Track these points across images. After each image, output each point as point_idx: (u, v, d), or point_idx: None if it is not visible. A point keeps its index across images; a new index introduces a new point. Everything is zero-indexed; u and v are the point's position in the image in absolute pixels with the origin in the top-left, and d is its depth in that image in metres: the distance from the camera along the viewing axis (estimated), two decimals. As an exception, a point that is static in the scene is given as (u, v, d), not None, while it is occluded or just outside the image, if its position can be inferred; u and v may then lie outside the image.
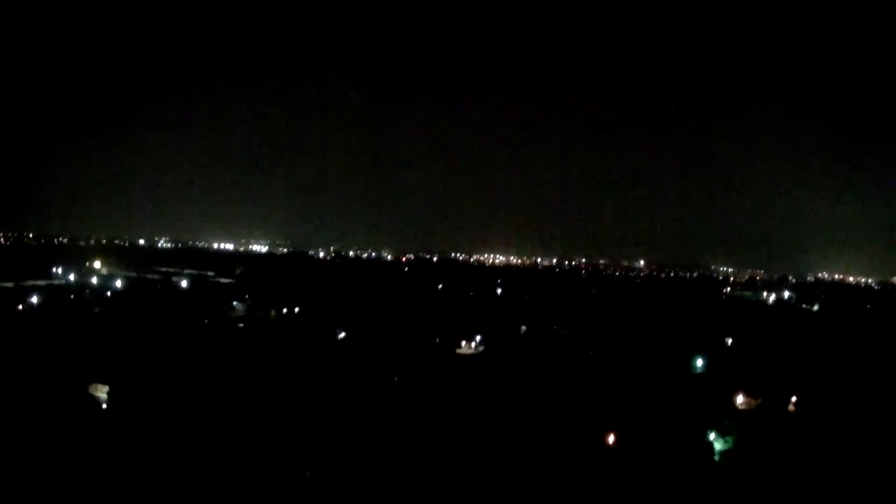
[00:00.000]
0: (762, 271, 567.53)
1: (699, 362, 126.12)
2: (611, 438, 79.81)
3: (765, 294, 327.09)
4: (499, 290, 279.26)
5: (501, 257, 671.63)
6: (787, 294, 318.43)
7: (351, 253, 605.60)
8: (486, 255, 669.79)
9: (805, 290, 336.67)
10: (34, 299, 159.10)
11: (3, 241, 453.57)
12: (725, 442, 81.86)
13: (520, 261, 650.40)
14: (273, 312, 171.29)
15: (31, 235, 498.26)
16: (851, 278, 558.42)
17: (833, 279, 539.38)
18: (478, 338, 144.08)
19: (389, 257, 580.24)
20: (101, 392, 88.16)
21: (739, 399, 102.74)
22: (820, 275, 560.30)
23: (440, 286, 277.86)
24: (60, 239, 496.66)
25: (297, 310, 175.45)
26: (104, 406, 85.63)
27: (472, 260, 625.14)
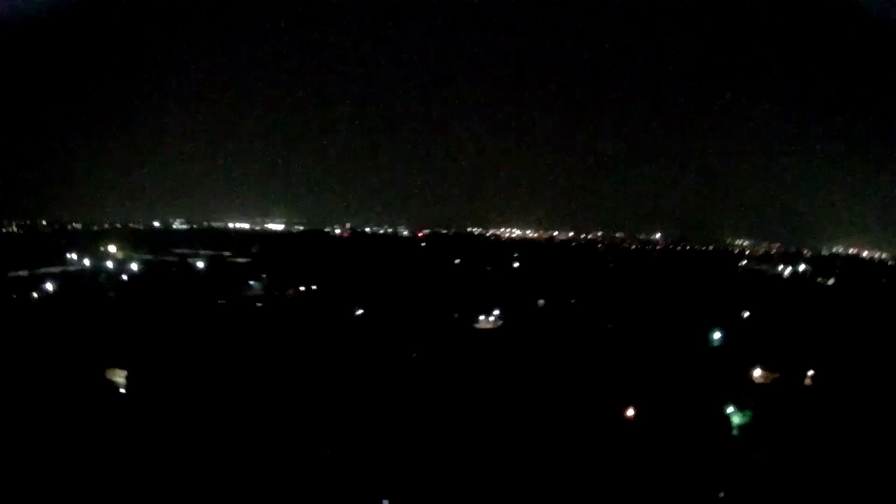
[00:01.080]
0: (778, 244, 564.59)
1: (716, 336, 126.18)
2: (630, 412, 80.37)
3: (780, 267, 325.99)
4: (515, 264, 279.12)
5: (517, 231, 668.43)
6: (802, 268, 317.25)
7: (367, 229, 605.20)
8: (502, 229, 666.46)
9: (820, 264, 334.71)
10: (49, 286, 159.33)
11: (16, 230, 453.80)
12: (743, 415, 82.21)
13: (536, 234, 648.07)
14: (290, 291, 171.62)
15: (44, 223, 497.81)
16: (866, 252, 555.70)
17: (848, 253, 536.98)
18: (496, 312, 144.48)
19: (406, 232, 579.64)
20: (119, 377, 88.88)
21: (757, 373, 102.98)
22: (835, 249, 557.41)
23: (457, 261, 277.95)
24: (74, 225, 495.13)
25: (314, 287, 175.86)
26: (122, 391, 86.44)
27: (488, 234, 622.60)
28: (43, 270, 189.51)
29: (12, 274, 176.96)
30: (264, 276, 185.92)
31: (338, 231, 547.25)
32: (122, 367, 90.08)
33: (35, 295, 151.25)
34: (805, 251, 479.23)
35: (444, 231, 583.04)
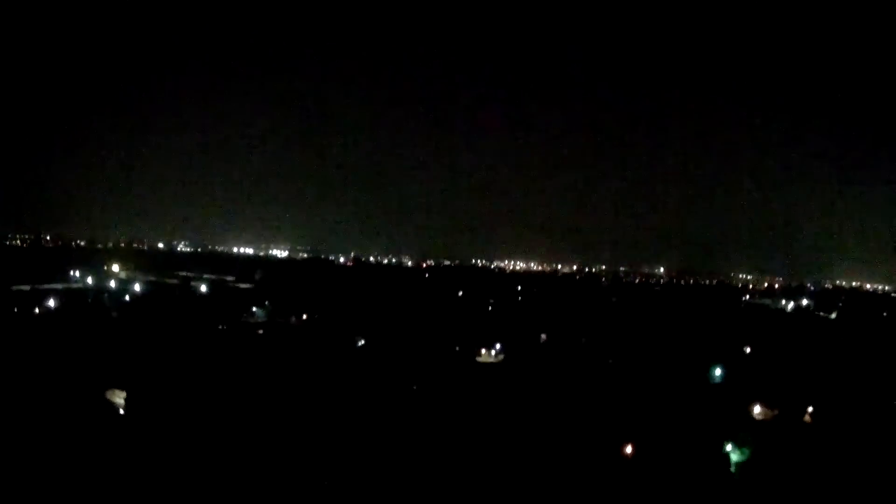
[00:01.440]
0: (780, 279, 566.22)
1: (717, 372, 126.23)
2: (628, 449, 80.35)
3: (783, 302, 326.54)
4: (519, 297, 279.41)
5: (522, 264, 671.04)
6: (805, 302, 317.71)
7: (371, 259, 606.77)
8: (506, 262, 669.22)
9: (823, 298, 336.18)
10: (51, 303, 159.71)
11: (20, 244, 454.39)
12: (742, 453, 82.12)
13: (540, 267, 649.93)
14: (293, 319, 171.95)
15: (48, 238, 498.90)
16: (868, 286, 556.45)
17: (851, 286, 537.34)
18: (497, 346, 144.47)
19: (410, 263, 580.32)
20: (119, 398, 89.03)
21: (756, 410, 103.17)
22: (837, 282, 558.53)
23: (460, 293, 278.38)
24: (78, 241, 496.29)
25: (316, 316, 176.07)
26: (121, 412, 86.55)
27: (492, 266, 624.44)
28: (46, 286, 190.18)
29: (15, 288, 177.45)
30: (267, 302, 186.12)
31: (342, 259, 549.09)
32: (121, 388, 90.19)
33: (37, 310, 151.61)
34: (808, 285, 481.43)
35: (448, 262, 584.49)
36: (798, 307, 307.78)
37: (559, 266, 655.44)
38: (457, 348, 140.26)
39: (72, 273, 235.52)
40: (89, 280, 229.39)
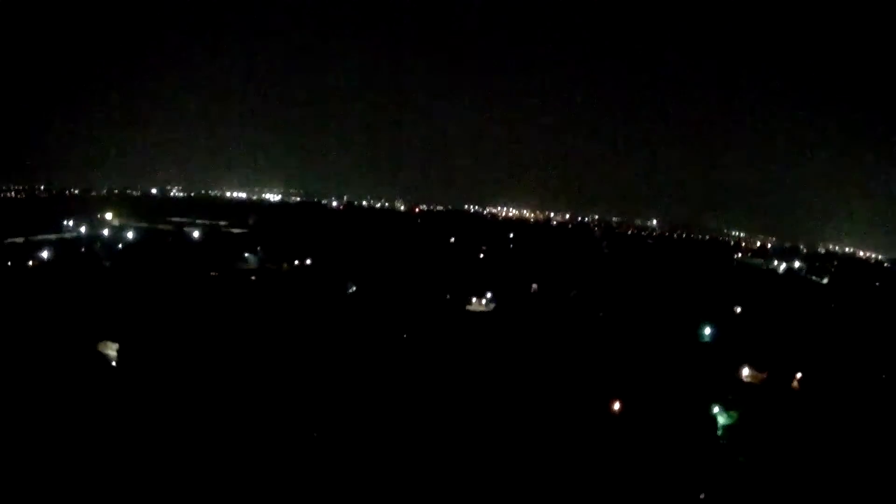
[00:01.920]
0: (774, 238, 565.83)
1: (707, 331, 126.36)
2: (616, 406, 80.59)
3: (775, 262, 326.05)
4: (511, 246, 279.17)
5: (515, 210, 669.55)
6: (797, 264, 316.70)
7: (364, 203, 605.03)
8: (499, 208, 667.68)
9: (816, 262, 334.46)
10: (45, 254, 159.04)
11: (14, 196, 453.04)
12: (729, 416, 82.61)
13: (533, 215, 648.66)
14: (285, 265, 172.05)
15: (42, 188, 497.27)
16: (862, 253, 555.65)
17: (844, 252, 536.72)
18: (488, 295, 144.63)
19: (402, 208, 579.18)
20: (111, 350, 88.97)
21: (745, 372, 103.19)
22: (831, 247, 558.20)
23: (452, 239, 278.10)
24: (72, 190, 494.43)
25: (308, 262, 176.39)
26: (113, 364, 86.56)
27: (484, 212, 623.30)
28: (39, 237, 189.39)
29: (9, 241, 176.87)
30: (259, 248, 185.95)
31: (334, 203, 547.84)
32: (114, 340, 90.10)
33: (30, 263, 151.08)
34: (801, 247, 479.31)
35: (441, 208, 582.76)
36: (790, 269, 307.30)
37: (552, 214, 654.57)
38: (447, 296, 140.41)
39: (65, 223, 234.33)
40: (82, 229, 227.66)
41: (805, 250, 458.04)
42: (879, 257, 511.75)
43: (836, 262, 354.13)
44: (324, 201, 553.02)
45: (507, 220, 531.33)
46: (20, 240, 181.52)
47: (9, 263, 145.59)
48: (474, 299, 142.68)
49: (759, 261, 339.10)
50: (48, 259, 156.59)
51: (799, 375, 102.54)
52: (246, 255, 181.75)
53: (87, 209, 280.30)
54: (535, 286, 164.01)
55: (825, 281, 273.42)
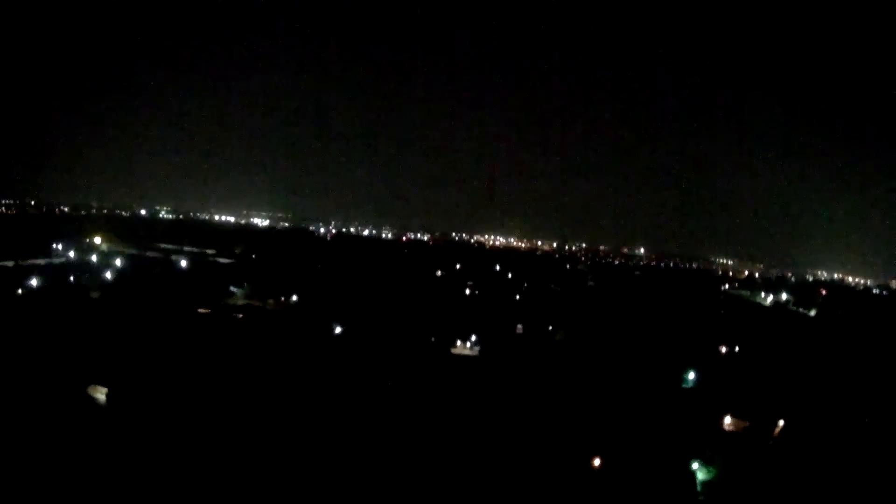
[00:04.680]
0: (761, 265, 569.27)
1: (691, 376, 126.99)
2: (597, 462, 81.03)
3: (762, 294, 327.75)
4: (497, 280, 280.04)
5: (502, 238, 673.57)
6: (784, 297, 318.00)
7: (352, 229, 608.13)
8: (486, 236, 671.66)
9: (803, 292, 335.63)
10: (34, 282, 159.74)
11: (5, 211, 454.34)
12: (709, 471, 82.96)
13: (520, 243, 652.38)
14: (271, 301, 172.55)
15: (33, 203, 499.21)
16: (851, 278, 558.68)
17: (832, 279, 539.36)
18: (473, 337, 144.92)
19: (390, 236, 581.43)
20: (101, 393, 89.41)
21: (727, 421, 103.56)
22: (819, 273, 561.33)
23: (438, 273, 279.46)
24: (62, 208, 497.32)
25: (294, 298, 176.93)
26: (103, 404, 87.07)
27: (472, 241, 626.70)
28: (29, 262, 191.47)
29: None
30: (246, 284, 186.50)
31: (322, 230, 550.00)
32: (102, 382, 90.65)
33: (19, 291, 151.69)
34: (789, 275, 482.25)
35: (427, 237, 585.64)
36: (776, 302, 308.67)
37: (539, 242, 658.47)
38: (432, 339, 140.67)
39: (55, 246, 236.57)
40: (71, 254, 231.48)
41: (793, 279, 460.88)
42: (868, 282, 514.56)
43: (823, 292, 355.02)
44: (311, 227, 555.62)
45: (495, 250, 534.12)
46: (10, 263, 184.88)
47: None
48: (459, 342, 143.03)
49: (746, 292, 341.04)
50: (37, 287, 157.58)
51: (781, 423, 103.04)
52: (233, 288, 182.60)
53: (76, 230, 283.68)
54: (520, 327, 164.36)
55: (812, 313, 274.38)
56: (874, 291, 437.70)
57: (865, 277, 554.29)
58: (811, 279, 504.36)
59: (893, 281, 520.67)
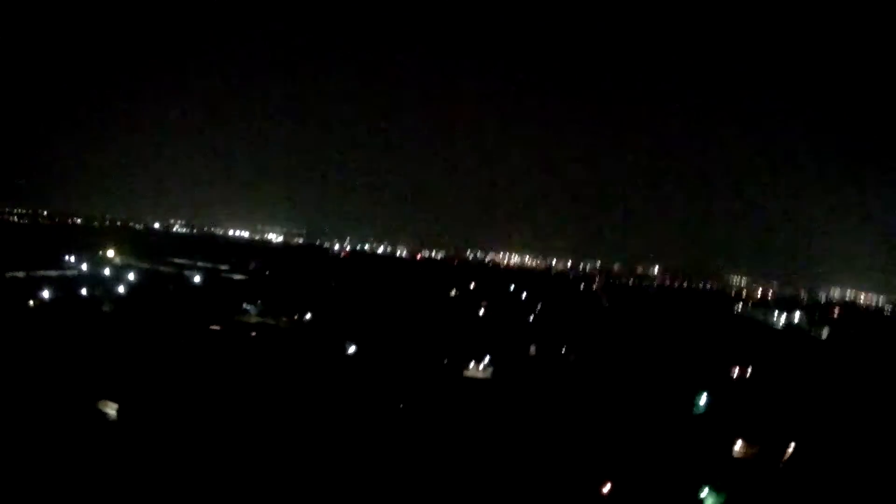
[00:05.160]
0: (775, 282, 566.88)
1: (703, 400, 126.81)
2: (606, 488, 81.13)
3: (775, 315, 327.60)
4: (511, 301, 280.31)
5: (517, 257, 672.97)
6: (797, 318, 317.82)
7: (366, 246, 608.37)
8: (501, 254, 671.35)
9: (816, 313, 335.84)
10: (45, 294, 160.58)
11: (17, 220, 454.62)
12: (718, 497, 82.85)
13: (535, 262, 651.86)
14: (284, 319, 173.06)
15: (45, 214, 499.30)
16: (864, 296, 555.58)
17: (845, 297, 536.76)
18: (486, 359, 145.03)
19: (404, 254, 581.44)
20: (111, 408, 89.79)
21: (737, 446, 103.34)
22: (832, 292, 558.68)
23: (453, 293, 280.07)
24: (75, 219, 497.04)
25: (308, 316, 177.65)
26: (113, 420, 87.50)
27: (486, 260, 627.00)
28: (40, 273, 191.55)
29: (10, 274, 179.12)
30: (259, 301, 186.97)
31: (336, 247, 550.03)
32: (113, 398, 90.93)
33: (31, 302, 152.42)
34: (801, 295, 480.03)
35: (441, 256, 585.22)
36: (789, 324, 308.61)
37: (553, 262, 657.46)
38: (445, 360, 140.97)
39: (67, 258, 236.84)
40: (84, 266, 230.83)
41: (805, 299, 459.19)
42: (881, 300, 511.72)
43: (836, 312, 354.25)
44: (326, 244, 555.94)
45: (509, 269, 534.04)
46: (21, 274, 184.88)
47: (10, 301, 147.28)
48: (472, 364, 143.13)
49: (759, 314, 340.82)
50: (49, 299, 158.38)
51: (791, 448, 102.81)
52: (246, 305, 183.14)
53: (89, 242, 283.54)
54: (533, 349, 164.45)
55: (824, 335, 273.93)
56: (886, 312, 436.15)
57: (879, 293, 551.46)
58: (824, 298, 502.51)
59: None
